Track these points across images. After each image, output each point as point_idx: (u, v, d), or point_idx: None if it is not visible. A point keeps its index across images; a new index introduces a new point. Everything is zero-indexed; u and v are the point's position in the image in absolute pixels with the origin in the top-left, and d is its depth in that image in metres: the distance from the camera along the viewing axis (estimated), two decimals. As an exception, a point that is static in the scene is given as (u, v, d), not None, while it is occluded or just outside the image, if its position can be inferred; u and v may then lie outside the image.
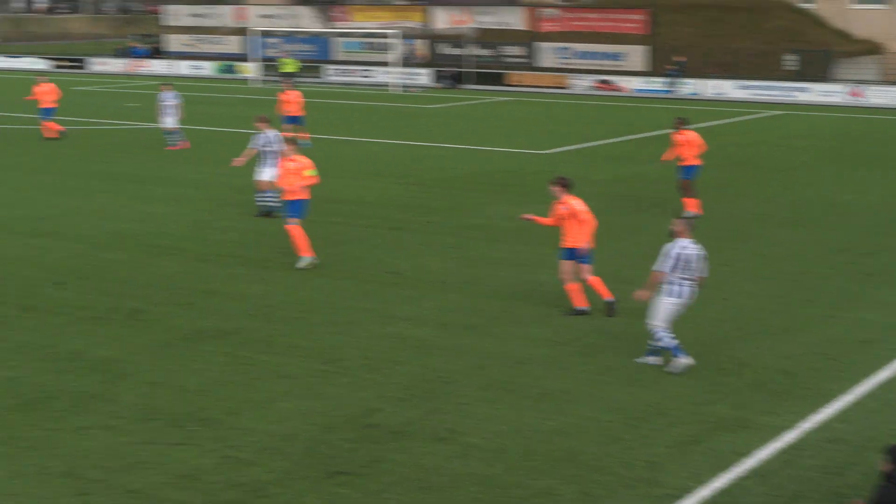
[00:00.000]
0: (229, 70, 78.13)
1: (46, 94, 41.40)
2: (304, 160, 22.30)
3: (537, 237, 24.74)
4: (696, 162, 27.44)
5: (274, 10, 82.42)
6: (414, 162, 36.45)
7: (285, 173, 22.21)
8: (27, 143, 40.47)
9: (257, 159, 26.94)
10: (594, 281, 18.94)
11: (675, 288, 15.85)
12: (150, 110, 48.82)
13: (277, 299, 19.62)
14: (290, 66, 63.79)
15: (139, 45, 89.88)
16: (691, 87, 63.24)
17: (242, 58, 78.65)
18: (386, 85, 68.82)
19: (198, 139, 41.18)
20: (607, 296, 18.94)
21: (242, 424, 13.98)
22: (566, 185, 18.67)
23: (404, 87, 67.12)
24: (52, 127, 41.43)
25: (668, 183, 30.71)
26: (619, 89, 65.22)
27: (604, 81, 65.97)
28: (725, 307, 19.35)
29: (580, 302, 18.91)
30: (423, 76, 70.58)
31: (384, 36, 73.04)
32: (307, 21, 79.99)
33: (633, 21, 69.26)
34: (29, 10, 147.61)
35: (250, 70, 73.18)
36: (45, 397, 14.91)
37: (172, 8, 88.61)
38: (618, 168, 35.42)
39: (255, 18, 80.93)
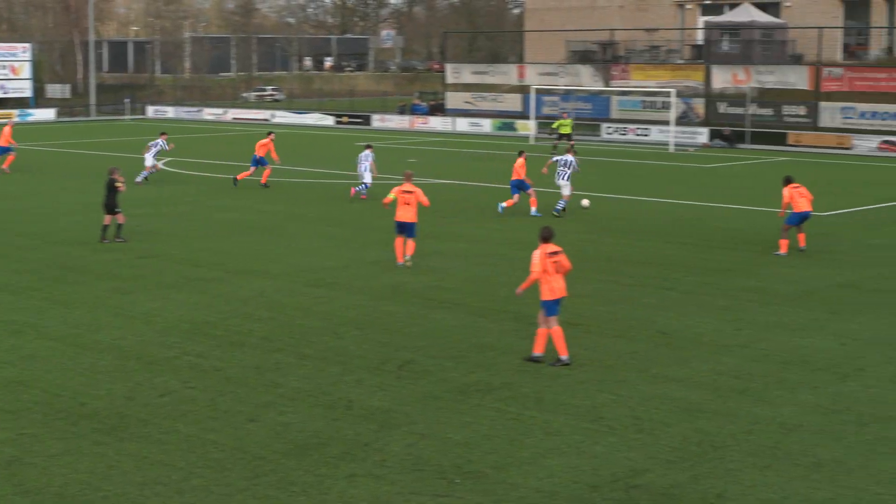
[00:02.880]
0: (509, 127, 79.11)
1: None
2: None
3: (815, 302, 24.23)
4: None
5: (553, 69, 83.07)
6: (689, 221, 36.10)
7: None
8: (316, 196, 41.92)
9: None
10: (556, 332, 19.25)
11: None
12: (430, 165, 49.96)
13: (546, 355, 19.69)
14: (567, 127, 63.62)
15: (420, 103, 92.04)
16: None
17: (520, 115, 79.59)
18: (660, 144, 68.60)
19: (475, 194, 41.84)
20: (562, 353, 19.24)
21: (508, 479, 14.06)
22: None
23: (677, 146, 66.62)
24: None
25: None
26: (905, 151, 63.22)
27: (889, 142, 63.99)
28: None
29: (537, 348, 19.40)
30: (702, 135, 69.97)
31: (661, 95, 72.86)
32: (587, 79, 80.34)
33: (921, 80, 67.04)
34: (318, 69, 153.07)
35: (529, 128, 73.92)
36: (318, 444, 15.34)
37: (455, 66, 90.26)
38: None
39: (535, 76, 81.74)
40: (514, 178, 36.48)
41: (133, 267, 27.85)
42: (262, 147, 44.46)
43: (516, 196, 36.65)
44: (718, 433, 15.76)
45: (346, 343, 20.68)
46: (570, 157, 37.36)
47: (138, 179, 44.72)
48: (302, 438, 15.52)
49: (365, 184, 40.66)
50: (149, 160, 45.42)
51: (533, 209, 36.49)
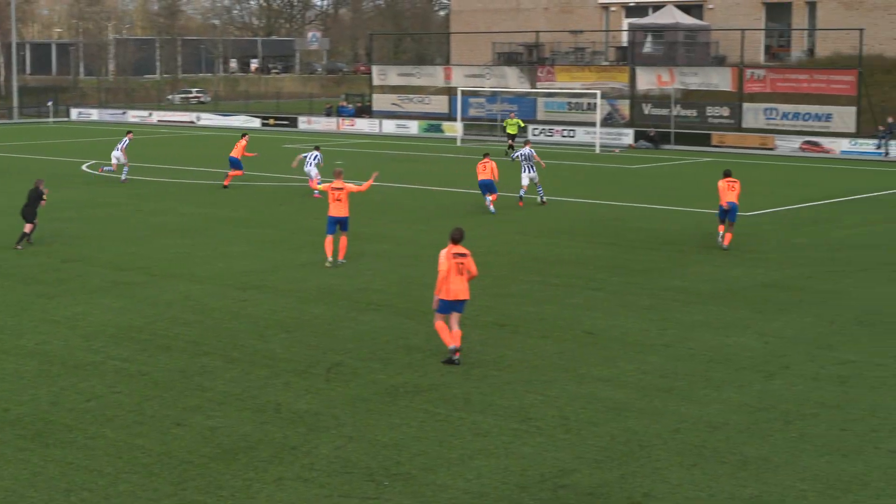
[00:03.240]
0: (436, 129, 79.18)
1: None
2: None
3: (738, 301, 24.47)
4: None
5: (480, 70, 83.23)
6: (614, 222, 36.34)
7: None
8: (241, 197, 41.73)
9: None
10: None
11: None
12: (356, 168, 49.88)
13: (474, 356, 19.74)
14: (513, 126, 64.10)
15: (346, 105, 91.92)
16: (902, 149, 61.82)
17: (446, 117, 79.69)
18: (585, 145, 69.04)
19: (399, 195, 41.86)
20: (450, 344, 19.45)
21: (437, 481, 14.07)
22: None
23: (603, 147, 67.08)
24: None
25: (874, 248, 30.07)
26: (826, 151, 64.04)
27: (811, 143, 64.83)
28: None
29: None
30: (627, 137, 70.49)
31: (587, 96, 73.33)
32: (513, 81, 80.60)
33: (841, 82, 67.84)
34: (243, 71, 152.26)
35: (456, 129, 74.05)
36: (246, 447, 15.28)
37: (381, 68, 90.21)
38: (821, 231, 34.72)
39: (462, 78, 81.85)
40: (481, 178, 37.71)
41: (57, 271, 27.56)
42: (239, 148, 45.27)
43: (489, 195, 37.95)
44: (645, 432, 15.88)
45: (274, 346, 20.60)
46: (527, 150, 40.00)
47: (123, 178, 46.87)
48: (229, 442, 15.44)
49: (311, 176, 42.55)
50: (122, 158, 46.67)
51: (489, 200, 37.92)
